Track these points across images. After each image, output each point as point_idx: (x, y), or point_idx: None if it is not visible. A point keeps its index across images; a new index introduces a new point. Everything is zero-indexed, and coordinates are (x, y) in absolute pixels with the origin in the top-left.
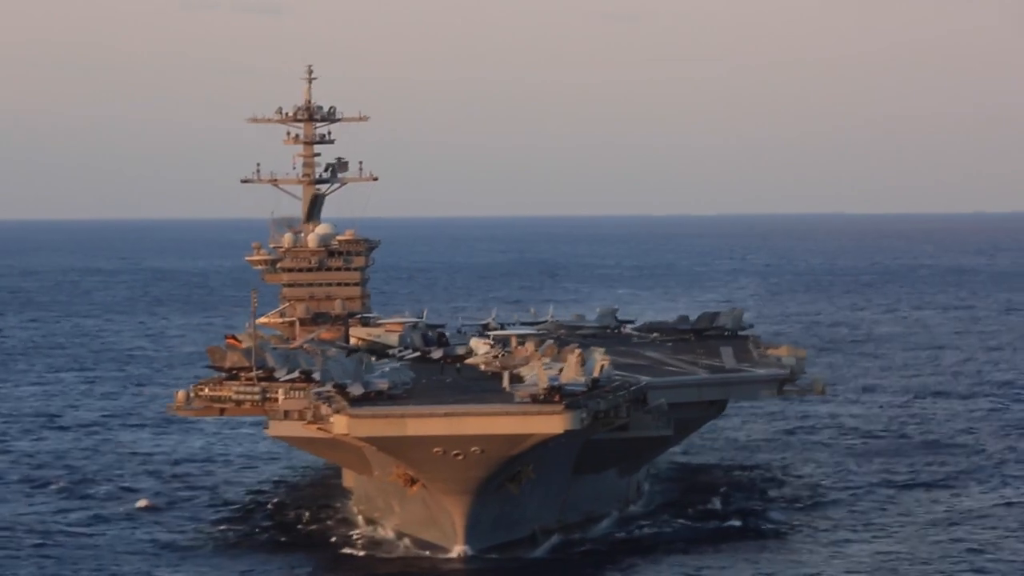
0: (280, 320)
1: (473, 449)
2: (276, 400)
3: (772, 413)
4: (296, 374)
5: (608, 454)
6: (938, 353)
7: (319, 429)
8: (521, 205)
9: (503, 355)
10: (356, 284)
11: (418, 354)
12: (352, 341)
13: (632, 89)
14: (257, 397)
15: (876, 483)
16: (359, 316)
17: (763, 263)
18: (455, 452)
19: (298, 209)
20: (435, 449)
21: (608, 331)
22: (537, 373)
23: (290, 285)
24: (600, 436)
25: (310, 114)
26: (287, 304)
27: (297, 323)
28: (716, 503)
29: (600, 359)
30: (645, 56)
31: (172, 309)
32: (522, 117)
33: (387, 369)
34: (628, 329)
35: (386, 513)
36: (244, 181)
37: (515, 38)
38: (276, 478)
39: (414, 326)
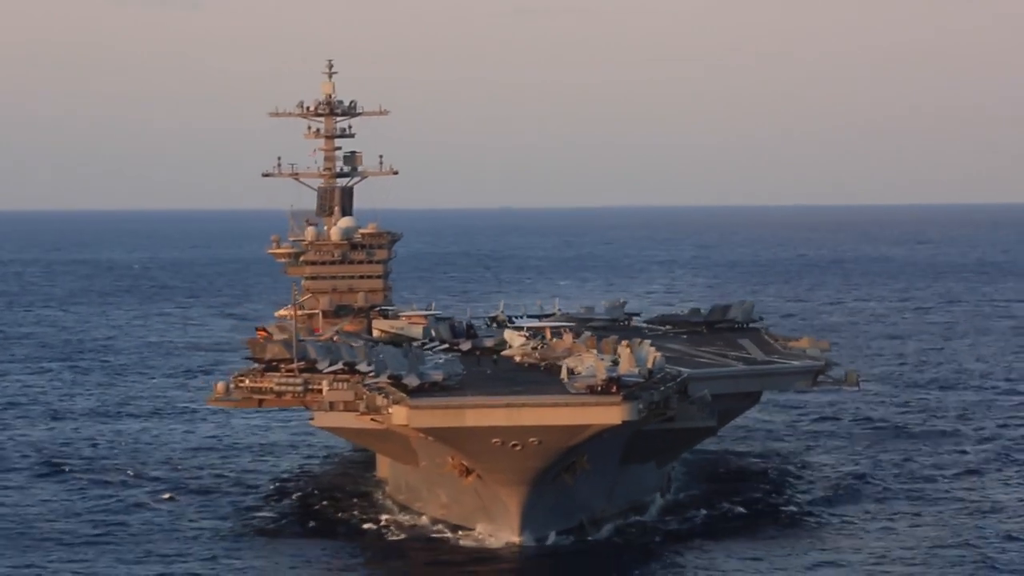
0: (299, 313)
1: (531, 440)
2: (319, 391)
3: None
4: (340, 365)
5: (655, 445)
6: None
7: (372, 420)
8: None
9: (541, 347)
10: (379, 277)
11: (446, 346)
12: (375, 333)
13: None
14: (299, 388)
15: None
16: (379, 308)
17: (691, 254)
18: (513, 443)
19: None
20: (493, 440)
21: (618, 324)
22: (594, 364)
23: (313, 278)
24: (650, 427)
25: (331, 108)
26: (307, 296)
27: (320, 315)
28: (749, 491)
29: (652, 351)
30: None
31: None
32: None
33: (441, 361)
34: (637, 322)
35: (430, 503)
36: (265, 175)
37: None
38: (298, 468)
39: (439, 318)
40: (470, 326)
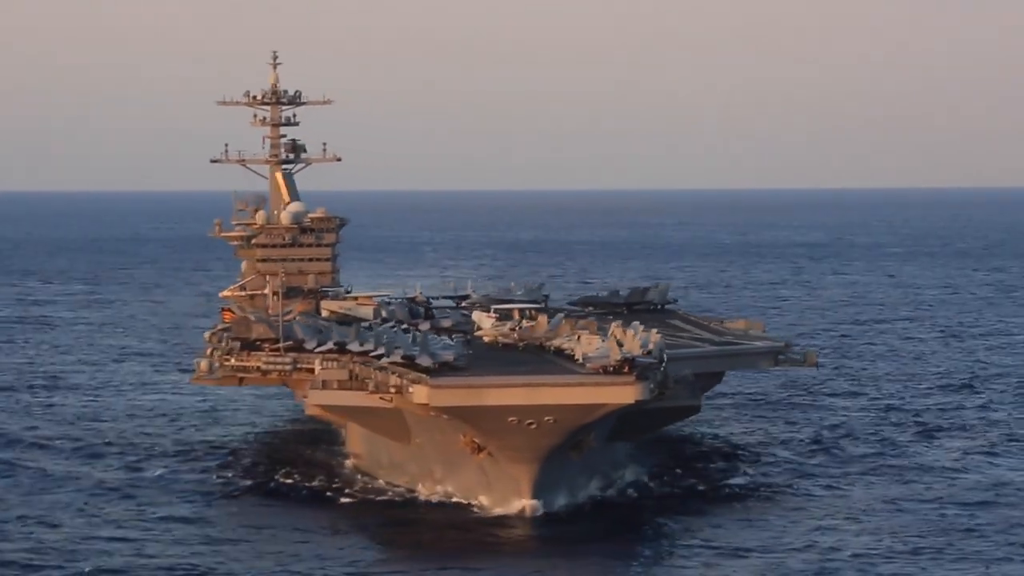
0: (242, 294)
1: (547, 418)
2: (307, 370)
3: None
4: (330, 345)
5: (642, 423)
6: None
7: (382, 399)
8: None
9: (519, 328)
10: (327, 260)
11: (404, 326)
12: (324, 314)
13: None
14: (288, 367)
15: None
16: (321, 289)
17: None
18: (528, 421)
19: (266, 188)
20: (510, 418)
21: (536, 304)
22: (608, 345)
23: (264, 260)
24: (645, 407)
25: (277, 97)
26: (251, 277)
27: (279, 296)
28: (709, 465)
29: (653, 334)
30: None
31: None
32: None
33: (451, 342)
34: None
35: (422, 479)
36: (213, 161)
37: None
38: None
39: (389, 300)
40: (428, 307)
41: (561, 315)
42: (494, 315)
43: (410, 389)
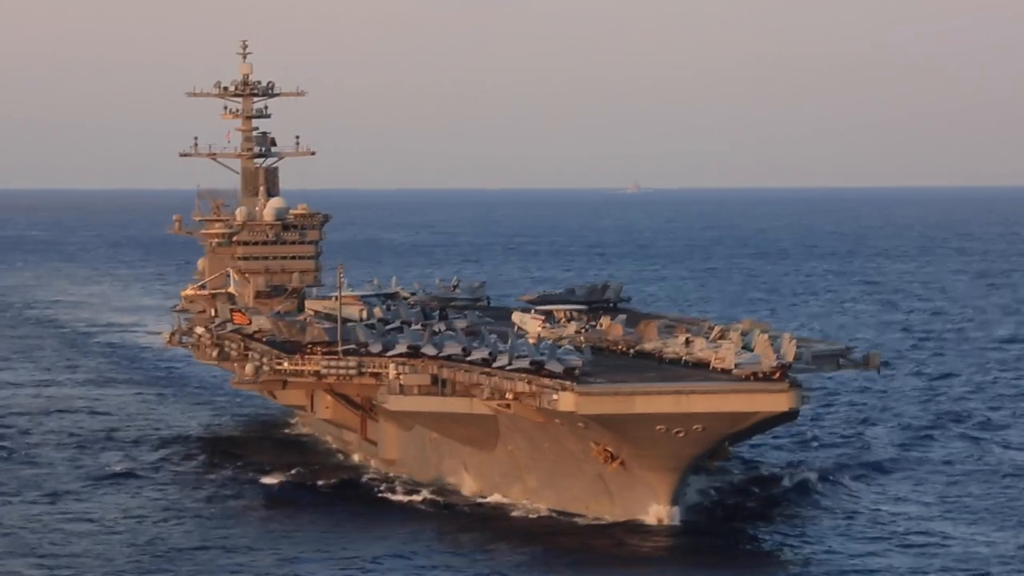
0: (203, 293)
1: (695, 427)
2: (373, 374)
3: None
4: (404, 348)
5: (749, 429)
6: None
7: (499, 406)
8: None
9: (585, 331)
10: (311, 258)
11: (420, 327)
12: (309, 313)
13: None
14: (353, 371)
15: None
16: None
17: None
18: (676, 429)
19: (236, 182)
20: (658, 427)
21: (479, 303)
22: (764, 351)
23: (245, 258)
24: None
25: (248, 89)
26: (215, 276)
27: (250, 295)
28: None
29: (787, 339)
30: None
31: None
32: None
33: (570, 346)
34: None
35: (504, 486)
36: (183, 155)
37: None
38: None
39: (389, 297)
40: (443, 308)
41: (623, 316)
42: (539, 317)
43: (554, 396)
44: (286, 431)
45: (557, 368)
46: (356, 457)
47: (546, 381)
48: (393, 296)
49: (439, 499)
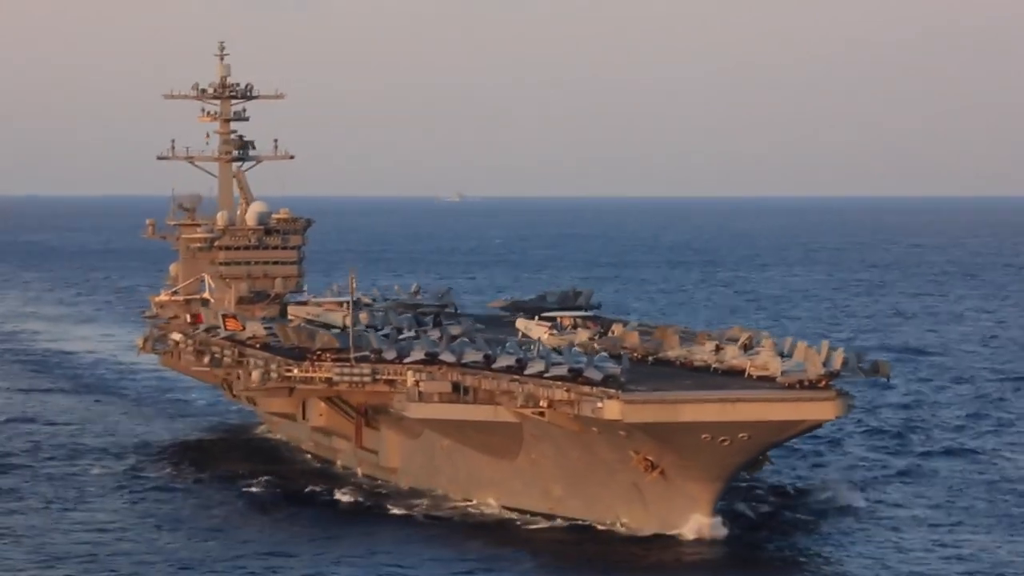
0: (177, 299)
1: (741, 435)
2: (387, 382)
3: None
4: (422, 355)
5: (790, 437)
6: None
7: (533, 414)
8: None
9: (597, 338)
10: (294, 263)
11: (412, 333)
12: (291, 319)
13: None
14: (367, 379)
15: None
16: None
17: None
18: (722, 438)
19: (215, 187)
20: (704, 435)
21: (446, 310)
22: (808, 359)
23: (227, 263)
24: None
25: (227, 91)
26: (189, 282)
27: (232, 300)
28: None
29: (826, 346)
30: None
31: None
32: None
33: (605, 354)
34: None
35: (525, 495)
36: (160, 158)
37: None
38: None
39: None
40: (437, 315)
41: (634, 322)
42: (545, 324)
43: (599, 404)
44: (255, 436)
45: (596, 376)
46: (340, 464)
47: (587, 389)
48: (356, 303)
49: (446, 507)
